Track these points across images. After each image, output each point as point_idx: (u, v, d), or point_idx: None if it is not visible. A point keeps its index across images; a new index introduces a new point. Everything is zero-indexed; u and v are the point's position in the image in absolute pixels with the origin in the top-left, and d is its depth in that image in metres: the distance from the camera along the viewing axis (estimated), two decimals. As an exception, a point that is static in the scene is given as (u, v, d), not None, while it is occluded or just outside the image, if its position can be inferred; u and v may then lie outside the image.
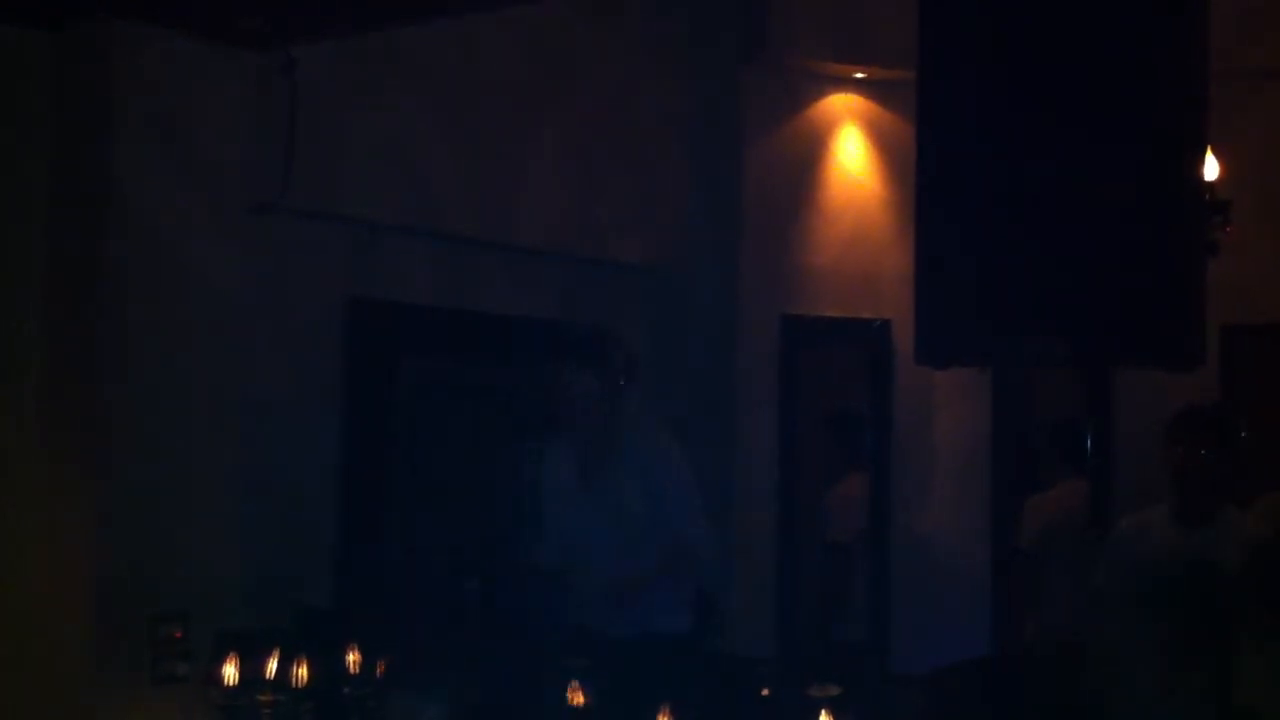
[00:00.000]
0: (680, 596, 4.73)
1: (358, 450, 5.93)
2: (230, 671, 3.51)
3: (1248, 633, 4.02)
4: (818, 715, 3.39)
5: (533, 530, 4.77)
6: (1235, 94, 5.87)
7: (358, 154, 5.78)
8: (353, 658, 3.72)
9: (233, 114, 5.26)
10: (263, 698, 3.52)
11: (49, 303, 5.13)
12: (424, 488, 6.19)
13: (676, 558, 4.60)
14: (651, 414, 4.89)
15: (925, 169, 4.25)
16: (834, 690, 3.56)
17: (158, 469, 5.00)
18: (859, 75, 7.44)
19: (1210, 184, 4.99)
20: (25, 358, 5.10)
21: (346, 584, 5.73)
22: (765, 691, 3.97)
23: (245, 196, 5.33)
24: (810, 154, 7.50)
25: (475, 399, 6.42)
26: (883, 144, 7.49)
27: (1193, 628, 4.20)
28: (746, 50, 7.33)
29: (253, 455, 5.34)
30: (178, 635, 3.69)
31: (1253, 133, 6.69)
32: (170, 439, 5.05)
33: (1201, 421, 4.93)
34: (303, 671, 3.57)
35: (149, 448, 5.00)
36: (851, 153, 7.54)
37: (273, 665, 3.53)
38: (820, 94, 7.50)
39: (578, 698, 3.69)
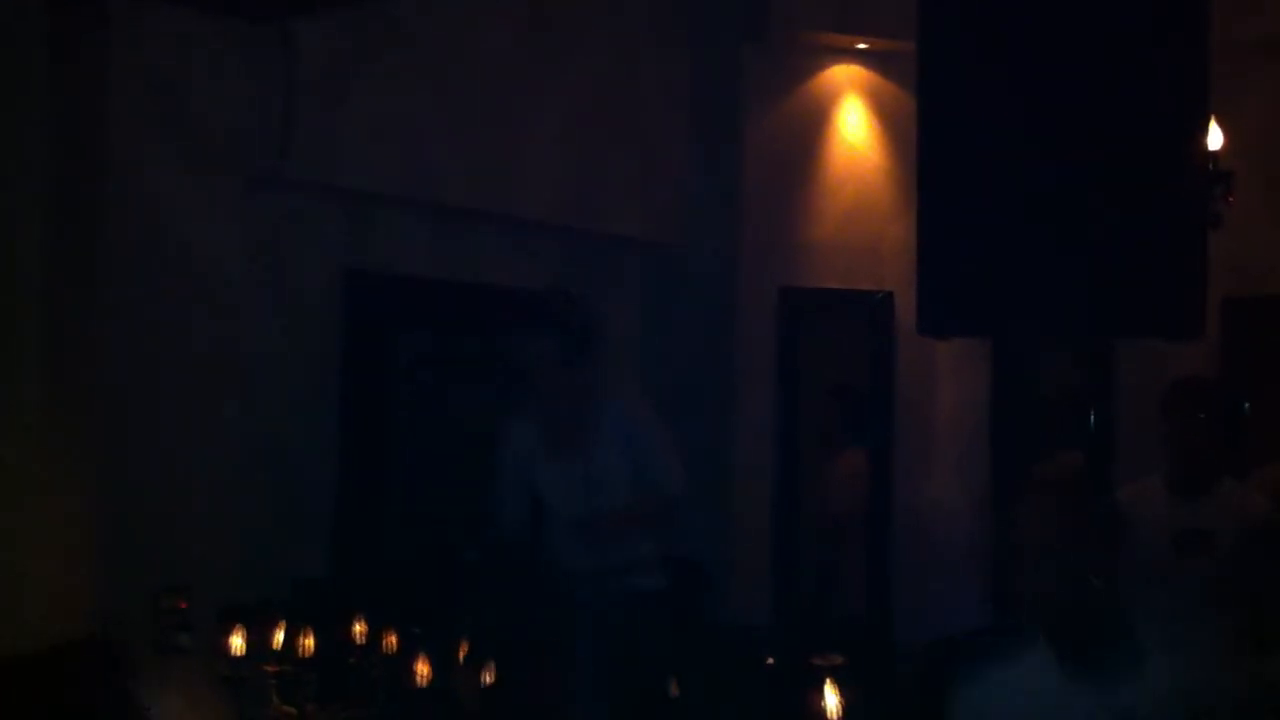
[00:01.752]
0: (656, 552, 4.70)
1: (355, 422, 5.94)
2: (237, 642, 3.50)
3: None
4: (821, 684, 3.38)
5: (496, 506, 4.76)
6: (1237, 65, 5.84)
7: (355, 126, 5.76)
8: (358, 628, 3.72)
9: (231, 87, 5.26)
10: (268, 668, 3.52)
11: (48, 276, 5.11)
12: (421, 459, 6.20)
13: (656, 508, 4.59)
14: (630, 381, 4.87)
15: (926, 140, 4.24)
16: (837, 659, 3.55)
17: (157, 442, 5.01)
18: (860, 46, 7.41)
19: (1214, 154, 4.97)
20: (24, 332, 5.09)
21: (344, 554, 5.74)
22: (770, 661, 3.96)
23: (243, 169, 5.33)
24: (811, 125, 7.47)
25: (472, 370, 6.42)
26: (884, 115, 7.46)
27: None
28: (747, 21, 7.30)
29: (251, 427, 5.35)
30: (182, 605, 3.68)
31: (1255, 104, 6.66)
32: (169, 412, 5.05)
33: (1197, 391, 4.91)
34: (308, 642, 3.57)
35: (148, 421, 5.01)
36: (852, 124, 7.51)
37: (279, 636, 3.53)
38: (821, 65, 7.46)
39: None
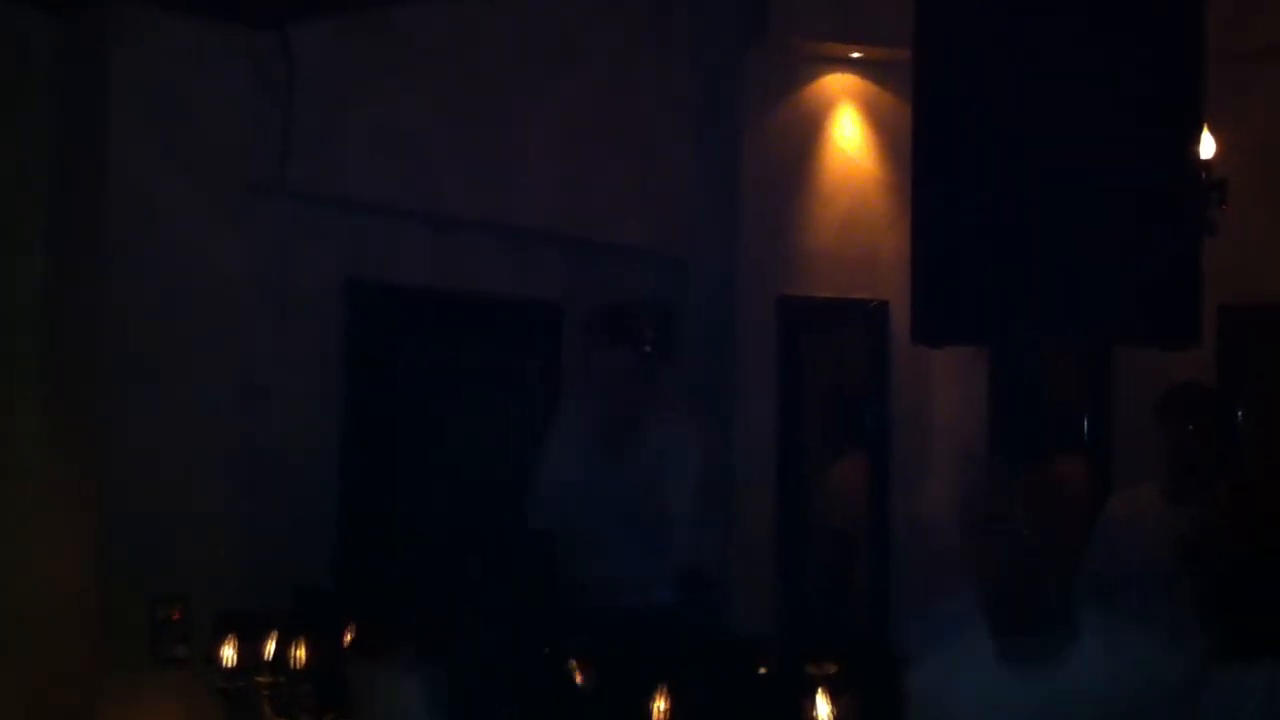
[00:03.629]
0: (661, 568, 4.73)
1: (357, 431, 5.95)
2: (229, 653, 3.52)
3: None
4: (815, 692, 3.40)
5: (532, 487, 4.80)
6: (1233, 73, 5.85)
7: (356, 135, 5.78)
8: (349, 638, 3.73)
9: (230, 95, 5.27)
10: (261, 679, 3.53)
11: (49, 286, 5.15)
12: (423, 468, 6.21)
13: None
14: (686, 401, 4.92)
15: (922, 149, 4.27)
16: (831, 667, 3.57)
17: (157, 451, 5.02)
18: (856, 55, 7.42)
19: (1207, 162, 4.99)
20: (25, 340, 5.12)
21: (347, 564, 5.75)
22: (763, 670, 3.98)
23: (243, 178, 5.35)
24: (807, 135, 7.48)
25: (474, 380, 6.43)
26: (880, 124, 7.46)
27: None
28: (745, 30, 7.31)
29: (252, 437, 5.36)
30: (175, 617, 3.70)
31: (1251, 112, 6.66)
32: (169, 421, 5.07)
33: (1191, 399, 4.93)
34: (301, 653, 3.58)
35: (148, 430, 5.02)
36: (848, 133, 7.51)
37: (271, 647, 3.55)
38: (817, 74, 7.47)
39: (577, 677, 3.69)
